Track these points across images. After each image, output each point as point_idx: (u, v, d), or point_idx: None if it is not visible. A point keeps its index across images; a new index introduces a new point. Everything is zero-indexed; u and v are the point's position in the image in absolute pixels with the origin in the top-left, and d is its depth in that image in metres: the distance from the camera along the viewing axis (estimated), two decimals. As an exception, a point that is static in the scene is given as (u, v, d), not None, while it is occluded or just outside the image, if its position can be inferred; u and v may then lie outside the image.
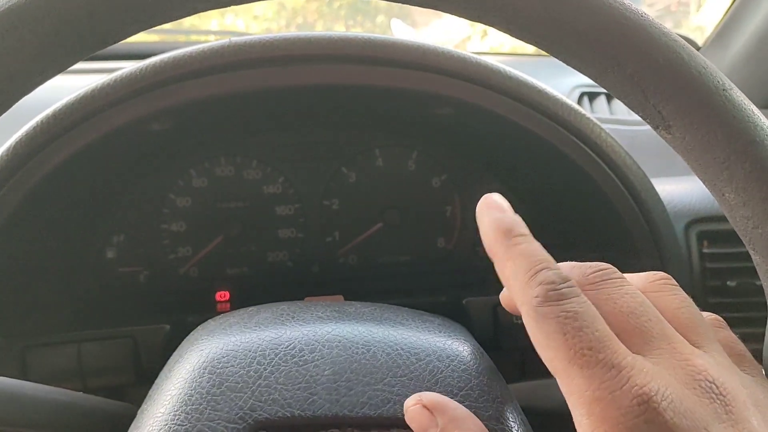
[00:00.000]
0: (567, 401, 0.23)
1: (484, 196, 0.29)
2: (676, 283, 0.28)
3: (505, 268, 0.26)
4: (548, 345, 0.23)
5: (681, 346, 0.24)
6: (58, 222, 0.56)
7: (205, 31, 1.36)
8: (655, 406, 0.21)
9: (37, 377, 0.51)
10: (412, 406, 0.30)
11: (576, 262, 0.27)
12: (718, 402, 0.22)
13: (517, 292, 0.25)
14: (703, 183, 0.29)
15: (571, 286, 0.24)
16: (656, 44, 0.27)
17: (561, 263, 0.27)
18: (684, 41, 0.28)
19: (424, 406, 0.29)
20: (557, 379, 0.23)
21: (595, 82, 0.30)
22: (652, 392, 0.21)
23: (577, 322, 0.23)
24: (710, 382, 0.22)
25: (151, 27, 0.27)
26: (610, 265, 0.27)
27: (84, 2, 0.24)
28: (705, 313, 0.28)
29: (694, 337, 0.25)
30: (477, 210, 0.29)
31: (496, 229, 0.27)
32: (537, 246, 0.26)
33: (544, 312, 0.23)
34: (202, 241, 0.65)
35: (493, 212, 0.28)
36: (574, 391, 0.22)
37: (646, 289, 0.27)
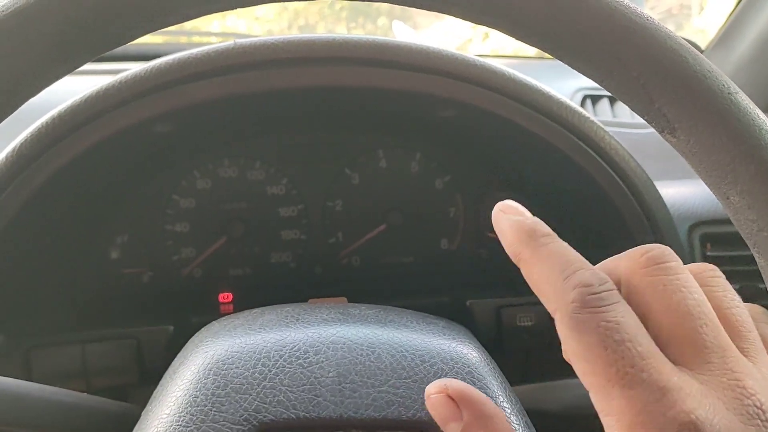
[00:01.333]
0: (602, 420, 0.21)
1: (498, 204, 0.27)
2: (723, 276, 0.26)
3: (533, 271, 0.24)
4: (585, 358, 0.21)
5: (733, 363, 0.22)
6: (61, 223, 0.56)
7: (206, 33, 1.36)
8: None
9: (41, 377, 0.51)
10: (436, 393, 0.28)
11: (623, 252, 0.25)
12: (764, 429, 0.20)
13: (550, 297, 0.23)
14: (708, 186, 0.29)
15: (610, 289, 0.22)
16: (662, 47, 0.27)
17: (607, 259, 0.25)
18: (689, 45, 0.28)
19: (449, 396, 0.28)
20: (592, 395, 0.21)
21: (600, 85, 0.30)
22: (699, 420, 0.19)
23: (619, 335, 0.21)
24: (758, 408, 0.21)
25: (160, 29, 0.27)
26: (665, 247, 0.24)
27: (92, 3, 0.24)
28: (746, 305, 0.26)
29: (744, 345, 0.23)
30: (493, 216, 0.27)
31: (518, 230, 0.25)
32: (566, 245, 0.24)
33: (582, 320, 0.21)
34: (206, 242, 0.65)
35: (512, 215, 0.26)
36: (613, 412, 0.20)
37: (697, 281, 0.25)
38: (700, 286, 0.24)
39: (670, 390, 0.20)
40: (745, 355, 0.22)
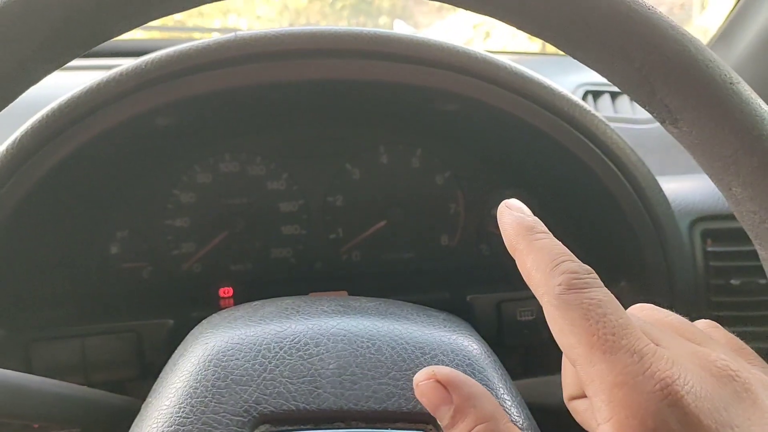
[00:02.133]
0: (586, 390, 0.22)
1: (504, 201, 0.29)
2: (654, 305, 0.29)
3: (526, 261, 0.26)
4: (571, 331, 0.23)
5: (686, 342, 0.25)
6: (62, 216, 0.56)
7: (208, 29, 1.36)
8: (677, 389, 0.21)
9: (41, 371, 0.51)
10: (424, 381, 0.29)
11: None
12: (737, 383, 0.22)
13: (539, 283, 0.25)
14: (710, 177, 0.29)
15: (594, 278, 0.24)
16: (664, 37, 0.27)
17: None
18: (692, 35, 0.28)
19: (438, 381, 0.29)
20: (577, 368, 0.23)
21: (602, 75, 0.30)
22: (675, 376, 0.21)
23: (600, 309, 0.23)
24: (726, 367, 0.23)
25: (158, 18, 0.27)
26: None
27: (68, 4, 0.24)
28: (697, 321, 0.29)
29: (691, 337, 0.26)
30: (498, 211, 0.29)
31: (517, 225, 0.27)
32: (558, 242, 0.26)
33: (567, 299, 0.23)
34: (206, 237, 0.65)
35: (514, 212, 0.28)
36: (595, 377, 0.22)
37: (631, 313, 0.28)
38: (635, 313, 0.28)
39: (647, 353, 0.22)
40: (698, 344, 0.25)
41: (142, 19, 0.26)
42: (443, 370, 0.29)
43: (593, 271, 0.24)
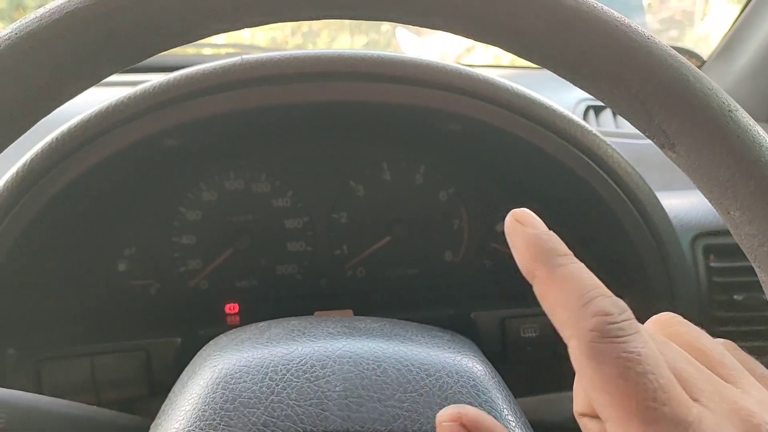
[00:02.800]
0: None
1: (512, 211, 0.25)
2: (681, 318, 0.26)
3: (548, 293, 0.23)
4: (604, 389, 0.20)
5: (724, 389, 0.22)
6: (70, 235, 0.57)
7: (212, 45, 1.37)
8: None
9: (51, 390, 0.52)
10: (448, 422, 0.26)
11: None
12: None
13: (565, 323, 0.22)
14: (709, 201, 0.30)
15: (630, 318, 0.21)
16: (662, 65, 0.28)
17: None
18: (690, 63, 0.29)
19: (464, 425, 0.26)
20: (609, 427, 0.21)
21: (600, 101, 0.30)
22: None
23: (641, 366, 0.20)
24: (765, 423, 0.21)
25: (170, 48, 0.28)
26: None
27: (102, 26, 0.25)
28: (717, 339, 0.26)
29: (725, 372, 0.23)
30: (507, 225, 0.25)
31: (534, 246, 0.23)
32: (585, 268, 0.23)
33: (601, 350, 0.20)
34: (212, 254, 0.65)
35: (528, 228, 0.24)
36: None
37: (658, 329, 0.25)
38: (664, 329, 0.25)
39: (692, 423, 0.20)
40: (731, 383, 0.23)
41: (183, 39, 0.27)
42: (471, 412, 0.27)
43: (627, 308, 0.21)
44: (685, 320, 0.26)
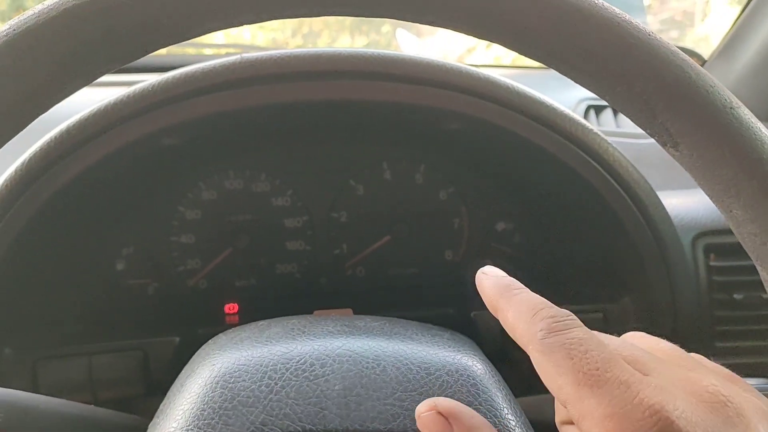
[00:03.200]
0: (579, 427, 0.22)
1: (480, 270, 0.31)
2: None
3: (508, 316, 0.27)
4: (557, 372, 0.23)
5: (678, 369, 0.25)
6: (69, 235, 0.56)
7: (213, 45, 1.36)
8: (668, 415, 0.21)
9: (48, 389, 0.52)
10: (426, 412, 0.30)
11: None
12: (729, 408, 0.22)
13: (522, 333, 0.25)
14: (711, 199, 0.30)
15: (573, 319, 0.25)
16: (664, 63, 0.28)
17: None
18: (692, 60, 0.28)
19: (440, 413, 0.29)
20: (568, 407, 0.23)
21: (603, 99, 0.30)
22: (664, 403, 0.21)
23: (582, 346, 0.23)
24: (718, 392, 0.23)
25: (167, 46, 0.28)
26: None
27: (100, 24, 0.25)
28: (692, 354, 0.29)
29: (683, 363, 0.26)
30: (477, 279, 0.30)
31: (495, 285, 0.29)
32: (535, 295, 0.27)
33: (549, 342, 0.24)
34: (211, 254, 0.65)
35: (491, 276, 0.29)
36: (586, 413, 0.22)
37: (627, 337, 0.29)
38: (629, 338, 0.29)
39: (634, 382, 0.22)
40: (690, 370, 0.25)
41: (182, 36, 0.27)
42: (444, 402, 0.30)
43: (572, 314, 0.25)
44: (650, 336, 0.29)
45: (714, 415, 0.22)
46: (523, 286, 0.28)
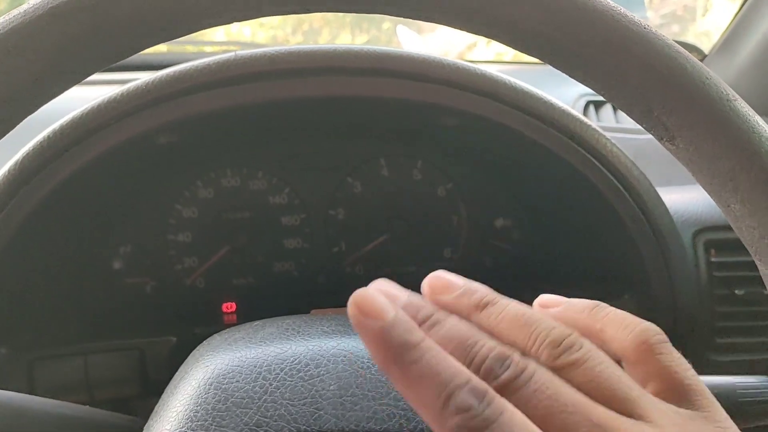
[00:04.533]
0: None
1: (352, 296, 0.22)
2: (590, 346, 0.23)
3: (408, 395, 0.21)
4: None
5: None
6: (64, 234, 0.56)
7: (212, 42, 1.36)
8: None
9: (44, 389, 0.51)
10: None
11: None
12: None
13: (432, 424, 0.20)
14: (708, 194, 0.29)
15: (492, 401, 0.19)
16: (660, 56, 0.27)
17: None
18: (688, 53, 0.28)
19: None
20: None
21: (599, 94, 0.30)
22: None
23: None
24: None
25: (161, 42, 0.27)
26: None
27: (88, 21, 0.24)
28: (646, 329, 0.25)
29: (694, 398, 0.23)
30: (351, 318, 0.22)
31: (382, 343, 0.21)
32: (440, 354, 0.21)
33: None
34: (208, 252, 0.65)
35: (370, 323, 0.21)
36: None
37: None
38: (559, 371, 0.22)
39: None
40: (637, 418, 0.21)
41: (171, 35, 0.27)
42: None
43: (488, 389, 0.20)
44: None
45: None
46: (419, 340, 0.21)
